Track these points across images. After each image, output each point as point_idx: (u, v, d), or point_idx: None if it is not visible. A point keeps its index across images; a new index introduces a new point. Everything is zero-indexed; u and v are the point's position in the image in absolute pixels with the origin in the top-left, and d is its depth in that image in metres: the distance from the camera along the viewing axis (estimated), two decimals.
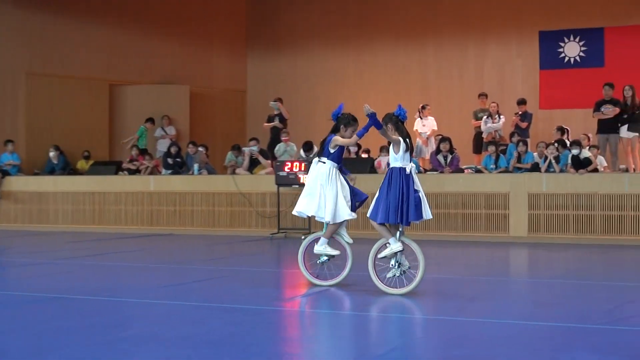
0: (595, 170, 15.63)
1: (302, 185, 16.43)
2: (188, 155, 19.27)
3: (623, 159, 16.87)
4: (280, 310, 8.50)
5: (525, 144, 16.73)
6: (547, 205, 15.52)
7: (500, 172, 16.33)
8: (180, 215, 18.22)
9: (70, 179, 19.56)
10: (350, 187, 9.63)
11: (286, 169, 16.58)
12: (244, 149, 18.68)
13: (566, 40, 21.35)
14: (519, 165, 16.29)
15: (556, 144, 16.14)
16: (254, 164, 18.47)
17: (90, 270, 11.94)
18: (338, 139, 9.52)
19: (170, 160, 19.20)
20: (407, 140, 9.07)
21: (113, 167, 19.81)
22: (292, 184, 16.59)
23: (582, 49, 21.21)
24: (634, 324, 7.54)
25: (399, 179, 8.92)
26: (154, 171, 19.54)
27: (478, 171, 16.90)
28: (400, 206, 8.87)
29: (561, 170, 15.71)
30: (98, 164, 20.35)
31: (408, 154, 9.04)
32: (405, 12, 23.21)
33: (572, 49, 21.30)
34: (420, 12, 23.06)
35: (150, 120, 21.52)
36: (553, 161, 15.80)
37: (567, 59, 21.34)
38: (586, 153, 15.79)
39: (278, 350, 6.68)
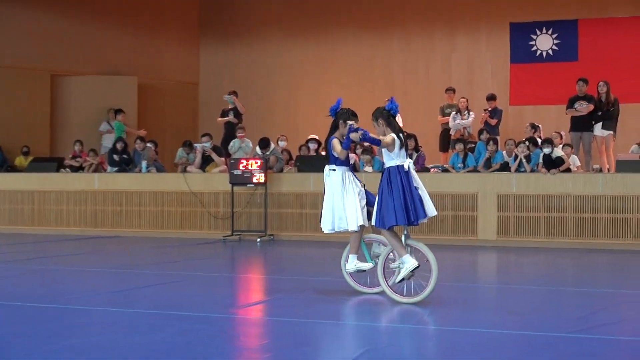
0: (568, 170, 15.85)
1: (257, 184, 16.58)
2: (135, 151, 19.19)
3: (597, 158, 17.12)
4: (237, 318, 8.54)
5: (496, 142, 16.88)
6: (517, 206, 15.71)
7: (468, 171, 16.48)
8: (127, 215, 18.14)
9: (7, 177, 19.38)
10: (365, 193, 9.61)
11: (241, 167, 16.60)
12: (195, 145, 18.65)
13: (538, 32, 21.60)
14: (487, 171, 16.38)
15: (527, 142, 16.33)
16: (206, 162, 18.45)
17: (29, 274, 11.85)
18: (336, 146, 9.44)
19: (116, 157, 19.10)
20: (401, 135, 9.01)
21: (54, 163, 19.66)
22: (247, 183, 16.62)
23: (555, 42, 21.47)
24: (605, 332, 7.69)
25: (398, 178, 8.88)
26: (99, 168, 19.43)
27: (445, 170, 17.04)
28: (405, 206, 8.84)
29: (532, 170, 15.91)
30: (38, 161, 20.18)
31: (403, 150, 9.01)
32: (369, 1, 23.33)
33: (544, 42, 21.55)
34: (385, 1, 23.18)
35: (119, 111, 21.26)
36: (524, 160, 15.99)
37: (539, 52, 21.60)
38: (558, 152, 16.01)
39: None
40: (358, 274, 9.73)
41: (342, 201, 9.44)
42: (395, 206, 8.84)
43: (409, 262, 8.92)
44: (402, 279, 8.99)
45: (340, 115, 9.55)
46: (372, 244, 9.72)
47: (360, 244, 9.59)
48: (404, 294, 9.14)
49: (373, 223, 9.11)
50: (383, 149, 9.09)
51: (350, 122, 9.27)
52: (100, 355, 6.67)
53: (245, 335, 7.80)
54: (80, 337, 7.36)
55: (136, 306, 8.94)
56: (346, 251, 9.73)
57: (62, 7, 22.27)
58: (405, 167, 8.95)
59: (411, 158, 16.94)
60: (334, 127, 9.61)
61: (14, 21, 21.48)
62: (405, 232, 9.10)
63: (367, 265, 9.56)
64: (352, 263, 9.57)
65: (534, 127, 18.05)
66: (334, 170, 9.55)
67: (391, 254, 9.25)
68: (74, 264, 13.26)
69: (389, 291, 9.19)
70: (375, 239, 9.69)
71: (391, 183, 8.90)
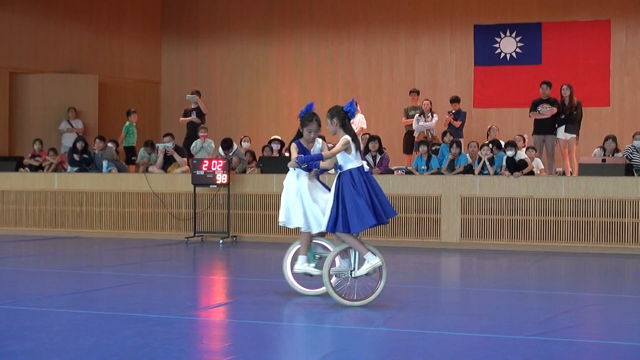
0: (531, 173, 15.96)
1: (220, 185, 16.51)
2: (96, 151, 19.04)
3: (560, 162, 17.27)
4: (197, 320, 8.49)
5: (459, 145, 16.95)
6: (481, 209, 15.78)
7: (431, 173, 16.54)
8: (87, 216, 18.00)
9: None
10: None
11: (203, 167, 16.54)
12: (157, 145, 18.55)
13: (502, 35, 21.75)
14: (450, 173, 16.40)
15: (490, 145, 16.43)
16: (168, 162, 18.35)
17: None
18: (292, 152, 9.34)
19: (76, 157, 18.94)
20: (355, 138, 8.99)
21: (13, 163, 19.48)
22: (209, 184, 16.55)
23: (519, 44, 21.63)
24: (566, 335, 7.74)
25: (362, 179, 8.88)
26: (59, 168, 19.27)
27: (408, 172, 17.09)
28: (373, 206, 8.83)
29: (495, 173, 16.00)
30: None
31: (359, 152, 9.00)
32: (333, 2, 23.35)
33: (508, 45, 21.71)
34: (349, 2, 23.22)
35: (130, 112, 21.02)
36: (487, 163, 16.07)
37: (502, 55, 21.74)
38: (521, 155, 16.11)
39: None
40: (302, 275, 9.68)
41: (308, 200, 9.31)
42: (364, 208, 8.81)
43: (374, 259, 8.93)
44: (368, 274, 9.00)
45: (301, 120, 9.46)
46: (317, 248, 9.66)
47: (304, 247, 9.51)
48: (351, 297, 9.11)
49: (324, 229, 9.00)
50: (341, 153, 8.98)
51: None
52: (56, 358, 6.60)
53: (207, 338, 7.76)
54: (36, 340, 7.28)
55: (94, 308, 8.86)
56: (290, 250, 9.67)
57: (21, 4, 22.04)
58: (365, 167, 8.98)
59: (375, 160, 17.11)
60: (300, 132, 9.51)
61: None
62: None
63: (316, 271, 9.44)
64: (302, 264, 9.48)
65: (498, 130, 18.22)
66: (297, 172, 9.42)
67: (337, 258, 9.23)
68: (32, 264, 13.14)
69: (335, 295, 9.06)
70: (321, 242, 9.64)
71: (355, 185, 8.88)
